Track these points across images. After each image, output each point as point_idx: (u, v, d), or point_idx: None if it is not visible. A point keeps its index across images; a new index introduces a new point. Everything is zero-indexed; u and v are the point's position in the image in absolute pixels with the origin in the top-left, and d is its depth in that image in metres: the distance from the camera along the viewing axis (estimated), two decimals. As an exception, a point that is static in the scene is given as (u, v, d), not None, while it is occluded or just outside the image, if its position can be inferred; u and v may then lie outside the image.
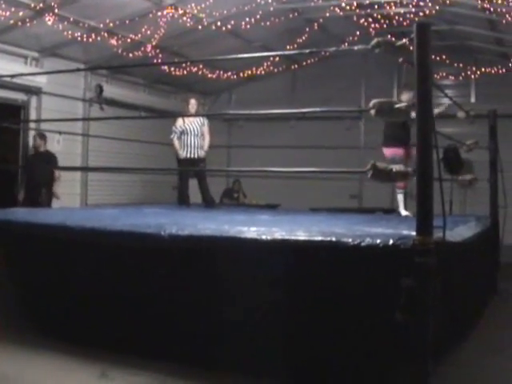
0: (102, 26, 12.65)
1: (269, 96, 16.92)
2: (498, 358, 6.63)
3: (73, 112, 14.06)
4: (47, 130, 12.58)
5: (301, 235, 5.63)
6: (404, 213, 10.35)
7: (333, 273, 5.37)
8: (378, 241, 5.23)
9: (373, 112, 5.30)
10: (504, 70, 14.76)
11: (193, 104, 11.92)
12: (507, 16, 11.91)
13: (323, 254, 5.38)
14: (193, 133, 11.73)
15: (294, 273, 5.49)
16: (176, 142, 11.89)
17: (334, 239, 5.40)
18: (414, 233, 5.04)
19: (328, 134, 16.58)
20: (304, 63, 16.77)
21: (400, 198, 10.45)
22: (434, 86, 5.64)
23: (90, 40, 12.78)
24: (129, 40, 13.40)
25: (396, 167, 5.23)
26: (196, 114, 11.99)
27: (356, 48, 6.25)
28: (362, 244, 5.24)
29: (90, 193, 14.69)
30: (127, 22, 12.65)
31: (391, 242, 5.17)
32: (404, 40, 5.49)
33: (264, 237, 5.63)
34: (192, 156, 11.73)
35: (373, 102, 5.34)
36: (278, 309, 5.53)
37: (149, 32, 13.05)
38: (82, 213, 9.44)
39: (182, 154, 11.76)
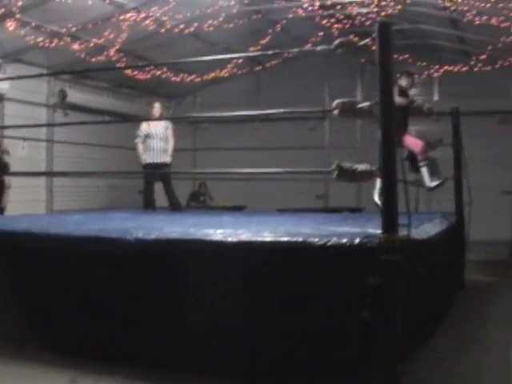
0: (64, 30, 12.58)
1: (233, 98, 16.94)
2: (466, 352, 6.69)
3: (36, 118, 13.98)
4: (11, 136, 12.48)
5: (267, 236, 5.64)
6: (432, 185, 10.37)
7: (300, 273, 5.38)
8: (345, 240, 5.26)
9: (336, 112, 5.32)
10: (466, 68, 14.89)
11: (157, 108, 11.93)
12: (468, 14, 12.01)
13: (290, 255, 5.40)
14: (157, 136, 11.71)
15: (261, 274, 5.50)
16: (140, 147, 11.86)
17: (300, 239, 5.42)
18: (379, 231, 5.06)
19: (293, 135, 16.65)
20: (268, 65, 16.77)
21: (424, 171, 10.44)
22: (396, 84, 5.69)
23: (53, 45, 12.70)
24: (92, 44, 13.35)
25: (361, 166, 5.25)
26: (160, 118, 11.97)
27: (318, 49, 6.26)
28: (329, 243, 5.27)
29: (56, 199, 14.59)
30: (90, 26, 12.61)
31: (357, 240, 5.20)
32: (366, 40, 5.50)
33: (230, 239, 5.64)
34: (156, 160, 11.70)
35: (336, 102, 5.36)
36: (245, 310, 5.53)
37: (112, 36, 12.99)
38: (48, 219, 9.38)
39: (147, 158, 11.73)
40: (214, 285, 5.66)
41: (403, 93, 10.30)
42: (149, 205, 11.91)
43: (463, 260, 10.68)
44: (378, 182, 10.29)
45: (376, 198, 10.32)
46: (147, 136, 11.73)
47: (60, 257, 6.44)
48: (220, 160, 14.10)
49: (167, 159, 11.82)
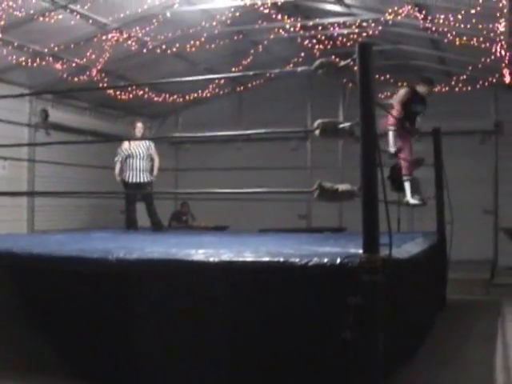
0: (46, 50, 12.60)
1: (215, 118, 16.96)
2: (447, 371, 6.70)
3: (18, 137, 13.93)
4: (-8, 155, 12.47)
5: (248, 256, 5.63)
6: (412, 201, 10.46)
7: (282, 293, 5.38)
8: (326, 260, 5.26)
9: (317, 132, 5.34)
10: (447, 88, 14.98)
11: (139, 127, 11.92)
12: (448, 35, 12.10)
13: (271, 275, 5.39)
14: (139, 156, 11.69)
15: (242, 294, 5.49)
16: (118, 166, 11.82)
17: (281, 259, 5.42)
18: (361, 251, 5.07)
19: (275, 155, 16.69)
20: (250, 85, 16.83)
21: (407, 185, 10.54)
22: (378, 105, 5.71)
23: (35, 64, 12.71)
24: (74, 64, 13.37)
25: (342, 187, 5.26)
26: (142, 138, 11.97)
27: (299, 69, 6.29)
28: (310, 263, 5.26)
29: (38, 219, 14.54)
30: (72, 46, 12.63)
31: (338, 260, 5.20)
32: (347, 61, 5.53)
33: (212, 259, 5.63)
34: (138, 180, 11.67)
35: (317, 122, 5.38)
36: (226, 330, 5.52)
37: (94, 56, 13.02)
38: (29, 239, 9.34)
39: (129, 177, 11.70)
40: (196, 305, 5.65)
41: (419, 98, 10.45)
42: (131, 225, 11.88)
43: (445, 279, 10.71)
44: (406, 185, 10.42)
45: (411, 200, 10.44)
46: (128, 156, 11.72)
47: (42, 277, 6.41)
48: (202, 180, 14.13)
49: (149, 179, 11.80)
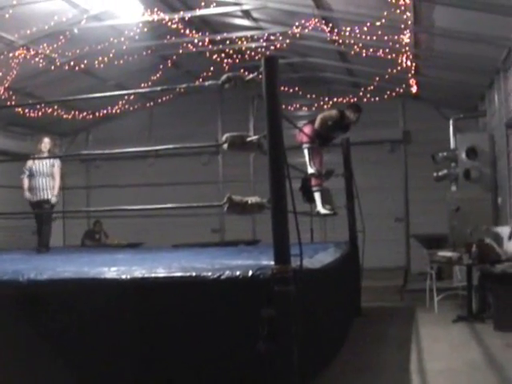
0: (-49, 68, 12.36)
1: (126, 134, 16.90)
2: (364, 377, 6.80)
3: None
4: None
5: (161, 272, 5.61)
6: (323, 211, 10.50)
7: (195, 307, 5.36)
8: (238, 272, 5.28)
9: (225, 146, 5.37)
10: (355, 99, 15.21)
11: (45, 143, 11.36)
12: (355, 47, 12.29)
13: (184, 290, 5.38)
14: (41, 174, 11.24)
15: (156, 310, 5.46)
16: (25, 182, 11.39)
17: (194, 274, 5.41)
18: (272, 262, 5.10)
19: (187, 170, 16.69)
20: (160, 100, 16.80)
21: (317, 196, 10.57)
22: (284, 117, 5.76)
23: None
24: (-20, 82, 13.13)
25: (251, 199, 5.29)
26: (50, 156, 11.60)
27: (207, 84, 6.31)
28: (222, 277, 5.27)
29: None
30: (-22, 64, 12.40)
31: (250, 272, 5.23)
32: (253, 74, 5.56)
33: (124, 276, 5.59)
34: (39, 198, 11.25)
35: (225, 136, 5.40)
36: (140, 347, 5.49)
37: (1, 74, 12.79)
38: None
39: (31, 196, 11.30)
40: (110, 322, 5.59)
41: (344, 125, 10.52)
42: (43, 244, 11.57)
43: (359, 287, 10.85)
44: (317, 195, 10.46)
45: (322, 210, 10.47)
46: (32, 174, 11.24)
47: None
48: (115, 197, 14.00)
49: (49, 197, 11.34)
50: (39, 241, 11.60)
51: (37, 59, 12.90)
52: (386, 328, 9.81)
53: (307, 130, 10.42)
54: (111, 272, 5.80)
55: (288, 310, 4.96)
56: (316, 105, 15.98)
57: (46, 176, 11.22)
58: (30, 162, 11.34)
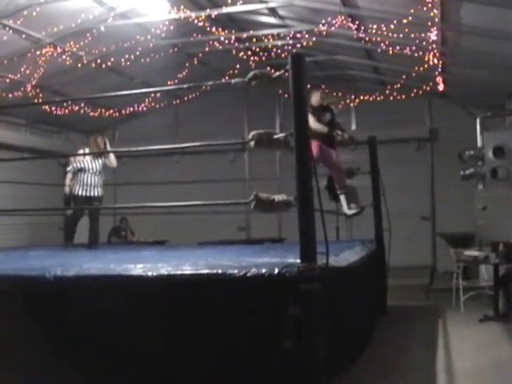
0: (-21, 66, 12.44)
1: (152, 132, 16.90)
2: (388, 377, 6.77)
3: (-49, 156, 13.70)
4: None
5: (187, 269, 5.62)
6: (349, 212, 10.41)
7: (221, 305, 5.37)
8: (264, 270, 5.27)
9: (252, 143, 5.36)
10: (382, 97, 15.15)
11: (99, 142, 11.60)
12: (382, 45, 12.24)
13: (210, 287, 5.39)
14: (93, 171, 11.36)
15: (181, 307, 5.47)
16: (68, 176, 11.48)
17: (220, 271, 5.42)
18: (298, 260, 5.09)
19: (213, 168, 16.68)
20: (186, 98, 16.82)
21: (342, 198, 10.48)
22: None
23: (-32, 81, 12.55)
24: (8, 80, 13.20)
25: (278, 197, 5.29)
26: (78, 154, 11.69)
27: (233, 81, 6.30)
28: (248, 274, 5.27)
29: (-26, 237, 14.32)
30: (5, 61, 12.46)
31: (276, 270, 5.22)
32: (280, 72, 5.56)
33: (150, 273, 5.60)
34: (88, 194, 11.36)
35: (252, 133, 5.40)
36: (166, 344, 5.50)
37: (28, 71, 12.86)
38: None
39: (78, 191, 11.39)
40: (136, 319, 5.61)
41: (320, 110, 10.33)
42: (70, 240, 11.66)
43: (385, 286, 10.81)
44: (342, 198, 10.36)
45: (348, 212, 10.39)
46: (80, 169, 11.36)
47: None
48: (140, 194, 14.03)
49: (100, 194, 11.50)
50: (66, 235, 11.71)
51: (64, 57, 12.96)
52: (411, 327, 9.77)
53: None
54: (137, 269, 5.82)
55: (314, 308, 4.95)
56: (342, 103, 15.95)
57: (97, 174, 11.36)
58: (79, 158, 11.39)
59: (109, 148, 11.85)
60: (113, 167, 11.74)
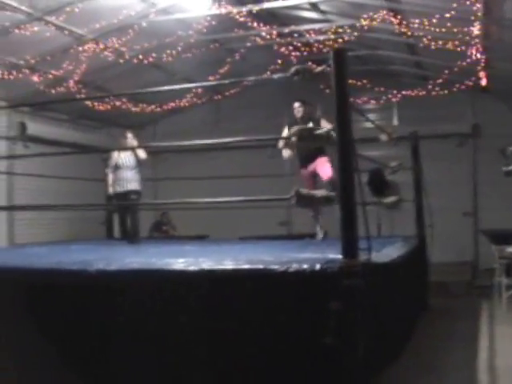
0: (22, 62, 12.53)
1: (193, 127, 16.92)
2: (430, 375, 6.73)
3: (-4, 150, 13.84)
4: (-31, 169, 12.37)
5: (228, 264, 5.63)
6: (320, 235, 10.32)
7: (262, 300, 5.37)
8: (305, 266, 5.26)
9: (294, 139, 5.36)
10: (424, 92, 15.04)
11: (130, 138, 11.91)
12: (424, 39, 12.15)
13: (251, 282, 5.39)
14: (127, 166, 11.67)
15: (222, 302, 5.48)
16: (110, 176, 11.85)
17: (261, 267, 5.42)
18: (340, 256, 5.08)
19: (253, 163, 16.65)
20: (227, 93, 16.83)
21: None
22: (354, 110, 5.73)
23: (12, 77, 12.64)
24: (51, 76, 13.32)
25: (319, 192, 5.28)
26: (119, 148, 11.95)
27: (275, 77, 6.33)
28: (290, 270, 5.27)
29: (18, 232, 14.43)
30: (48, 57, 12.57)
31: (318, 266, 5.21)
32: (322, 67, 5.54)
33: (191, 268, 5.62)
34: (124, 189, 11.65)
35: (294, 129, 5.40)
36: (207, 338, 5.51)
37: (71, 67, 12.96)
38: (8, 252, 9.30)
39: (116, 187, 11.69)
40: (177, 314, 5.63)
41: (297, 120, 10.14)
42: (125, 234, 11.90)
43: (427, 282, 10.75)
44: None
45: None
46: (117, 166, 11.72)
47: (21, 290, 6.37)
48: (181, 189, 14.08)
49: (137, 188, 11.76)
50: (121, 230, 11.94)
51: (106, 53, 13.03)
52: (453, 324, 9.71)
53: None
54: (178, 263, 5.85)
55: (356, 304, 4.94)
56: (384, 98, 15.86)
57: (132, 168, 11.60)
58: (114, 156, 11.74)
59: (135, 143, 11.99)
60: (142, 159, 11.86)
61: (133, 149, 11.90)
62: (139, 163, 11.83)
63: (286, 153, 9.73)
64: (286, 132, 9.56)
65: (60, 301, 6.18)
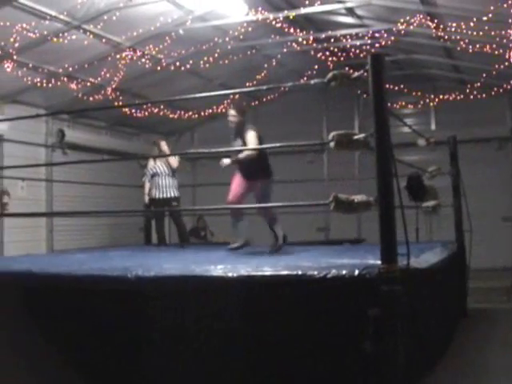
0: (61, 70, 12.68)
1: (231, 134, 16.96)
2: (469, 381, 6.66)
3: (35, 158, 13.98)
4: (10, 176, 12.51)
5: (267, 270, 5.62)
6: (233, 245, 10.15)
7: (300, 306, 5.35)
8: (344, 271, 5.24)
9: (332, 144, 5.34)
10: (462, 96, 14.96)
11: (163, 145, 12.09)
12: (461, 43, 12.09)
13: (289, 288, 5.38)
14: (165, 174, 11.83)
15: (261, 308, 5.48)
16: (146, 185, 12.02)
17: (300, 272, 5.40)
18: (379, 262, 5.06)
19: (292, 168, 16.66)
20: (264, 99, 16.88)
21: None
22: (392, 115, 5.71)
23: (50, 85, 12.79)
24: (89, 84, 13.46)
25: (358, 197, 5.26)
26: (156, 156, 12.11)
27: (312, 82, 6.30)
28: (328, 276, 5.25)
29: (57, 238, 14.57)
30: (86, 65, 12.71)
31: (357, 272, 5.19)
32: (359, 72, 5.53)
33: (230, 274, 5.62)
34: (164, 196, 11.80)
35: (332, 134, 5.38)
36: (246, 345, 5.51)
37: (108, 75, 13.10)
38: (48, 259, 9.37)
39: (155, 195, 11.84)
40: (216, 321, 5.63)
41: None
42: (161, 241, 12.06)
43: (466, 288, 10.65)
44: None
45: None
46: (154, 174, 11.89)
47: (61, 296, 6.41)
48: (219, 195, 14.11)
49: (175, 194, 11.90)
50: (158, 237, 12.07)
51: (143, 60, 13.15)
52: (492, 330, 9.60)
53: None
54: (217, 270, 5.85)
55: (395, 310, 4.91)
56: (422, 102, 15.79)
57: (168, 175, 11.75)
58: (151, 164, 11.92)
59: (168, 151, 12.13)
60: (175, 168, 11.94)
61: (165, 156, 12.01)
62: (174, 170, 11.93)
63: (226, 161, 9.60)
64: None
65: (99, 307, 6.21)
